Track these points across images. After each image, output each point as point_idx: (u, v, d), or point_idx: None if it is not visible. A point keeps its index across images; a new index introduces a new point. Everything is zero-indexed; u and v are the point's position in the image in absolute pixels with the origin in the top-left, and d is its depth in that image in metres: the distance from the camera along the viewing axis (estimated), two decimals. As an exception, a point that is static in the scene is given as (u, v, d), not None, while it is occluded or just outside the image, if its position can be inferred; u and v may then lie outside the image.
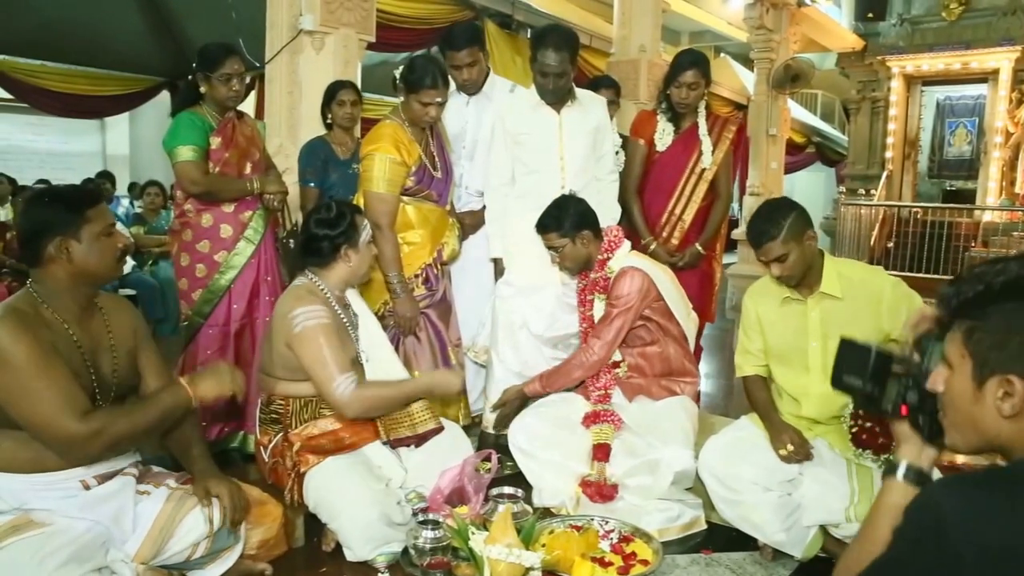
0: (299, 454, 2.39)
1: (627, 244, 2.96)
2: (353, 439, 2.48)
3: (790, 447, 2.36)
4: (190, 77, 3.05)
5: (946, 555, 0.91)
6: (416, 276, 3.10)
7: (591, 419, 2.79)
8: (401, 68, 3.01)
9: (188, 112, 2.98)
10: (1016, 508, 0.91)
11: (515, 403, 2.94)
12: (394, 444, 2.56)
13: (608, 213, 3.20)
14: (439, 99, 2.94)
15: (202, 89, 2.98)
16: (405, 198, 3.07)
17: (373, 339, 2.64)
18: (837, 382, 1.28)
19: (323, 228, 2.47)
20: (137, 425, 1.91)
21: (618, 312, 2.80)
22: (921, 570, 0.96)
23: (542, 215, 2.90)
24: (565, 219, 2.84)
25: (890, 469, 1.20)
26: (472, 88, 3.36)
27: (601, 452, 2.71)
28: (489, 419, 3.23)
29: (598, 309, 2.90)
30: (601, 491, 2.65)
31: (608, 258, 2.89)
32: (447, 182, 3.17)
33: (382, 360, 2.62)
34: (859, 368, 1.23)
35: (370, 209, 2.91)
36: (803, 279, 2.38)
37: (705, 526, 2.67)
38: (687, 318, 2.95)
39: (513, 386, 3.00)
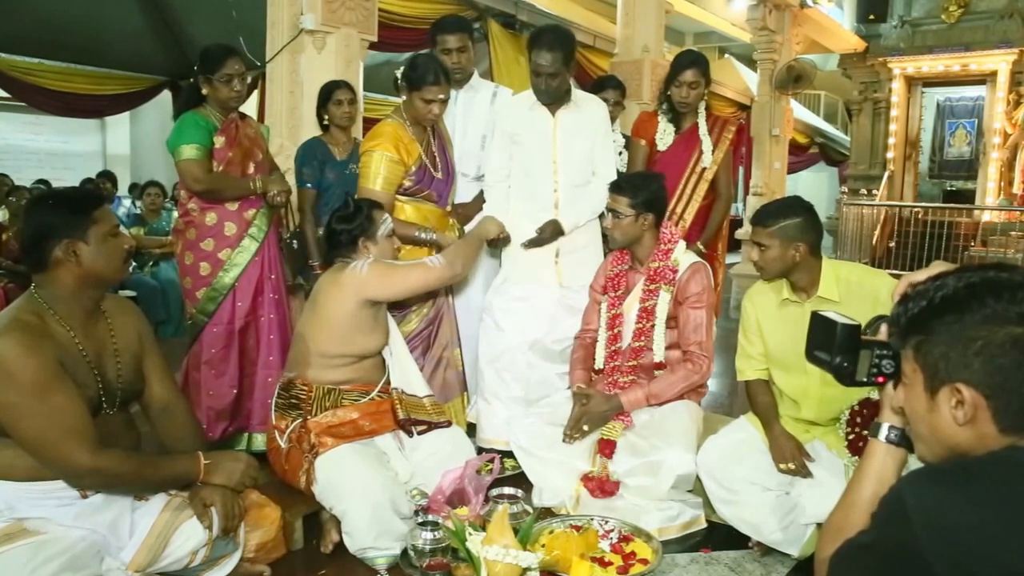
0: (319, 437, 2.41)
1: (683, 242, 2.94)
2: (373, 426, 2.53)
3: (791, 466, 2.38)
4: (192, 79, 3.05)
5: (907, 536, 0.98)
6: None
7: None
8: (402, 67, 3.00)
9: (192, 112, 2.99)
10: (964, 491, 0.98)
11: (598, 418, 2.75)
12: (410, 424, 2.61)
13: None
14: (441, 96, 2.93)
15: (204, 91, 2.98)
16: (404, 198, 3.06)
17: (392, 335, 2.72)
18: (809, 356, 1.32)
19: (341, 223, 2.61)
20: (142, 476, 1.91)
21: (705, 309, 2.80)
22: (888, 550, 1.03)
23: (623, 177, 2.89)
24: (642, 193, 2.78)
25: (874, 431, 1.25)
26: (460, 75, 3.34)
27: (607, 448, 2.71)
28: (483, 435, 3.23)
29: (663, 300, 2.83)
30: (603, 486, 2.64)
31: (671, 249, 2.85)
32: (448, 183, 3.16)
33: (398, 356, 2.71)
34: (826, 343, 1.26)
35: None
36: (797, 283, 2.40)
37: (705, 525, 2.67)
38: (711, 332, 2.96)
39: (602, 395, 2.78)
